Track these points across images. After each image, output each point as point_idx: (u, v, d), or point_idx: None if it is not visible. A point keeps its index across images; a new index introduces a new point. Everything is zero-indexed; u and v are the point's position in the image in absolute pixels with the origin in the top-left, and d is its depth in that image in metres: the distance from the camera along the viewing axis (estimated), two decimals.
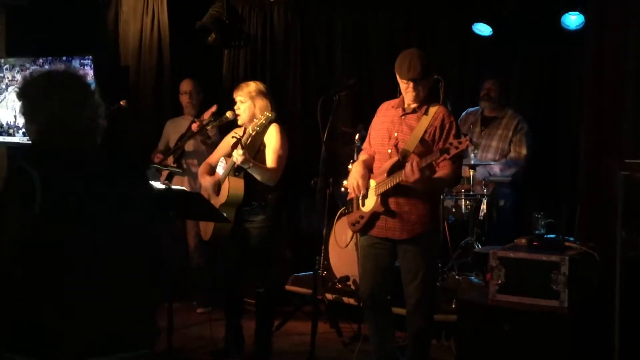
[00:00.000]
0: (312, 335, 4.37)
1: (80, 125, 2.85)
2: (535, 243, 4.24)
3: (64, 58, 7.53)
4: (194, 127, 5.91)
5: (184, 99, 6.42)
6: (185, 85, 6.44)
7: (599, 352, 3.97)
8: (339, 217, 6.18)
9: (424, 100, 4.53)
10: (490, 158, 6.35)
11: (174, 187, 4.64)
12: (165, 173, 6.04)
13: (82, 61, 7.45)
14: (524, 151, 6.27)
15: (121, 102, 6.12)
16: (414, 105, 4.54)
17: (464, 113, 6.64)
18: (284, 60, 7.45)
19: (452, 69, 6.75)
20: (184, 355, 5.35)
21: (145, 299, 2.91)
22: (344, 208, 5.19)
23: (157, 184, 4.59)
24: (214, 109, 5.47)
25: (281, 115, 5.25)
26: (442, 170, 4.37)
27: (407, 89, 4.48)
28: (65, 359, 2.68)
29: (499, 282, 4.09)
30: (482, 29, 6.71)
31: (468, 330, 4.18)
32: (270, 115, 4.89)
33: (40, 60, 7.66)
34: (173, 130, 6.42)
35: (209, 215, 4.89)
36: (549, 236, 4.47)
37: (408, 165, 4.24)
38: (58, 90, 2.82)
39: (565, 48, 6.25)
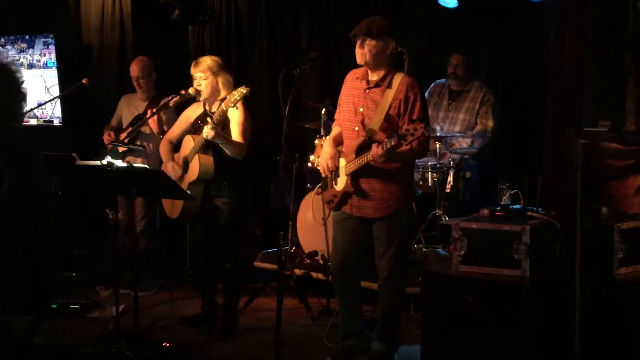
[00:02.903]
0: (278, 312, 4.35)
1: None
2: (497, 213, 4.24)
3: (27, 37, 7.46)
4: (151, 122, 5.82)
5: (134, 83, 6.30)
6: (132, 70, 6.25)
7: (561, 320, 3.98)
8: (307, 193, 6.16)
9: (388, 72, 4.51)
10: (457, 131, 6.36)
11: (135, 165, 4.58)
12: (120, 150, 5.97)
13: (44, 40, 7.38)
14: (490, 123, 6.28)
15: (83, 81, 6.02)
16: (376, 78, 4.52)
17: (432, 84, 6.63)
18: (249, 36, 7.38)
19: (419, 41, 6.74)
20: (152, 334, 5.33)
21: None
22: (319, 186, 5.17)
23: (119, 162, 4.53)
24: (177, 99, 5.36)
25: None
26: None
27: (356, 49, 4.47)
28: None
29: (462, 253, 4.10)
30: (448, 1, 6.67)
31: (432, 302, 4.19)
32: (244, 90, 4.84)
33: (2, 40, 7.57)
34: (127, 107, 6.33)
35: (172, 193, 4.86)
36: (513, 207, 4.47)
37: (373, 149, 4.29)
38: None
39: (531, 19, 6.22)
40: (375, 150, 4.28)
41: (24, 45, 7.55)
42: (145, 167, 4.61)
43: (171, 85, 5.94)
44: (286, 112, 4.42)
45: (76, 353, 4.87)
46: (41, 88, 7.33)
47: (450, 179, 6.01)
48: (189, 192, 4.95)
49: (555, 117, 4.50)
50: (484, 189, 6.16)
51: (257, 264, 6.49)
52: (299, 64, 4.61)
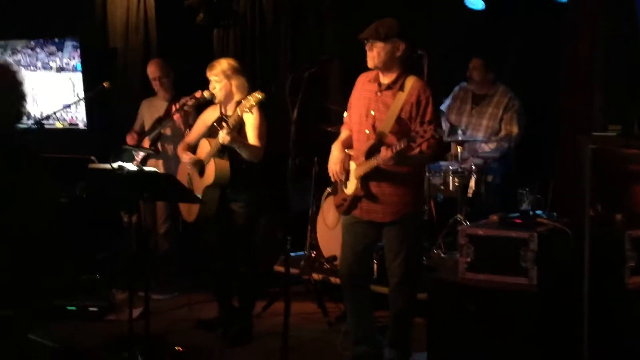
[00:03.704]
0: (285, 318, 4.31)
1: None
2: (507, 220, 4.14)
3: (56, 40, 7.53)
4: (176, 117, 5.82)
5: (155, 85, 6.33)
6: (151, 71, 6.32)
7: (569, 331, 3.87)
8: (327, 197, 6.12)
9: (400, 75, 4.44)
10: (480, 137, 6.24)
11: (145, 168, 4.59)
12: (140, 155, 5.99)
13: (73, 43, 7.45)
14: (515, 130, 6.14)
15: (104, 84, 6.06)
16: (388, 81, 4.46)
17: (456, 87, 6.53)
18: (274, 39, 7.35)
19: (445, 44, 6.66)
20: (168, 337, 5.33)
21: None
22: (330, 188, 5.14)
23: (130, 166, 4.54)
24: (198, 94, 5.38)
25: (274, 94, 5.18)
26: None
27: (367, 52, 4.43)
28: None
29: (468, 259, 4.02)
30: (475, 3, 6.58)
31: (438, 308, 4.11)
32: (260, 96, 4.82)
33: (32, 43, 7.67)
34: (148, 111, 6.36)
35: (182, 197, 4.86)
36: (524, 213, 4.38)
37: (383, 151, 4.22)
38: None
39: (557, 22, 6.09)
40: (385, 153, 4.22)
41: (53, 48, 7.63)
42: (154, 171, 4.62)
43: (195, 89, 5.94)
44: (294, 116, 4.38)
45: (87, 356, 4.88)
46: (70, 91, 7.39)
47: (472, 183, 5.90)
48: (204, 196, 4.96)
49: (566, 121, 4.39)
50: (507, 193, 6.04)
51: (277, 268, 6.45)
52: (309, 67, 4.56)
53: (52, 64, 7.60)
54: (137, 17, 7.24)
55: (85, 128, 7.32)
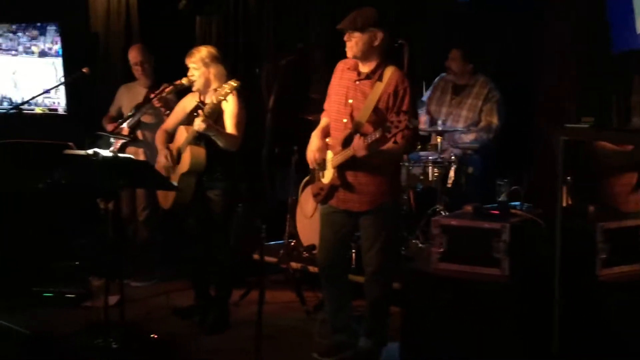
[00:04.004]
0: (259, 306, 4.31)
1: None
2: (480, 210, 4.14)
3: (39, 24, 7.46)
4: (157, 104, 5.78)
5: (135, 70, 6.29)
6: (133, 56, 6.28)
7: (541, 321, 3.88)
8: (304, 186, 6.11)
9: (379, 65, 4.43)
10: (460, 128, 6.22)
11: (120, 155, 4.56)
12: (119, 142, 5.95)
13: (56, 28, 7.39)
14: (495, 121, 6.12)
15: (83, 70, 6.01)
16: (367, 70, 4.45)
17: (437, 78, 6.52)
18: (257, 26, 7.31)
19: (428, 35, 6.64)
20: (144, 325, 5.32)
21: None
22: (307, 178, 5.13)
23: (105, 152, 4.51)
24: (177, 82, 5.35)
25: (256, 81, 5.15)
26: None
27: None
28: None
29: (441, 250, 4.01)
30: None
31: (411, 298, 4.11)
32: (235, 84, 4.81)
33: (14, 27, 7.60)
34: (127, 97, 6.31)
35: (158, 184, 4.85)
36: (512, 203, 4.38)
37: (355, 141, 4.20)
38: None
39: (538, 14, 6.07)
40: (358, 142, 4.20)
41: (35, 33, 7.54)
42: (130, 157, 4.60)
43: (177, 76, 5.90)
44: (270, 105, 4.36)
45: (60, 343, 4.87)
46: (52, 77, 7.32)
47: (452, 174, 5.90)
48: (180, 183, 4.95)
49: (541, 113, 4.39)
50: (487, 184, 6.03)
51: (256, 256, 6.44)
52: (284, 55, 4.55)
53: (34, 48, 7.53)
54: (119, 3, 7.19)
55: (66, 113, 7.26)
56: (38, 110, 7.37)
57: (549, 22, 4.41)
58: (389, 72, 4.41)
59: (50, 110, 7.37)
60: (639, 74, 4.32)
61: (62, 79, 6.98)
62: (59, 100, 7.31)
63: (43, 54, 7.47)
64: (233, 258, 5.48)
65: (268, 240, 6.61)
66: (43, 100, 7.28)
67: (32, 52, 7.49)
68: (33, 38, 7.54)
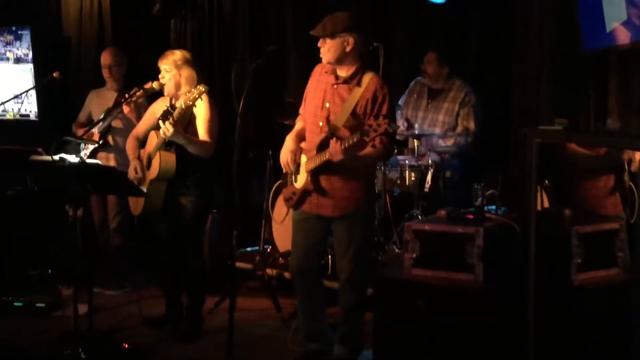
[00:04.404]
0: (231, 313, 4.24)
1: None
2: (454, 215, 4.07)
3: (14, 29, 7.34)
4: (126, 110, 5.67)
5: (105, 73, 6.19)
6: (104, 58, 6.17)
7: (515, 327, 3.80)
8: (276, 191, 6.03)
9: (358, 70, 4.36)
10: (437, 132, 6.16)
11: (88, 160, 4.47)
12: (88, 148, 5.84)
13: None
14: (472, 125, 6.06)
15: (54, 74, 5.91)
16: (345, 74, 4.38)
17: (412, 82, 6.45)
18: (232, 29, 7.25)
19: (404, 37, 6.59)
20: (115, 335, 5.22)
21: None
22: (279, 182, 5.05)
23: (72, 158, 4.42)
24: (147, 85, 5.25)
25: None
26: (371, 147, 4.21)
27: None
28: None
29: (414, 255, 3.94)
30: None
31: (384, 305, 4.03)
32: (203, 89, 4.72)
33: None
34: (96, 102, 6.20)
35: (126, 190, 4.75)
36: (490, 207, 4.31)
37: (332, 145, 4.12)
38: None
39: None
40: (334, 145, 4.11)
41: (10, 37, 7.40)
42: (97, 163, 4.51)
43: (152, 79, 5.83)
44: (239, 109, 4.28)
45: (28, 354, 4.77)
46: (29, 84, 7.19)
47: (429, 178, 5.83)
48: (150, 189, 4.86)
49: (516, 115, 4.33)
50: (465, 189, 5.97)
51: None
52: (255, 58, 4.47)
53: (9, 54, 7.39)
54: (91, 7, 7.11)
55: (37, 119, 7.15)
56: (9, 116, 7.25)
57: (521, 21, 4.34)
58: (368, 77, 4.34)
59: (21, 116, 7.24)
60: (615, 73, 4.26)
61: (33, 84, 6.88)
62: (31, 106, 7.19)
63: (18, 60, 7.34)
64: (206, 265, 5.38)
65: (244, 246, 6.55)
66: (16, 106, 7.16)
67: (7, 59, 7.36)
68: (8, 43, 7.40)
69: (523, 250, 3.78)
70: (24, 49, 7.30)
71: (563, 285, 3.78)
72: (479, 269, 3.80)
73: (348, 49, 4.31)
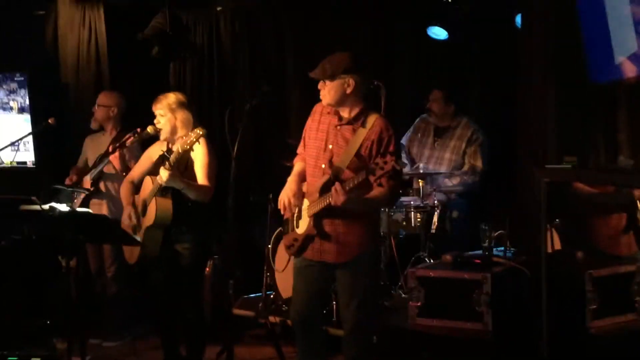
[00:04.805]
0: None
1: None
2: (460, 260, 3.87)
3: (18, 75, 7.20)
4: (112, 158, 5.51)
5: (94, 111, 6.05)
6: (101, 99, 6.05)
7: None
8: (277, 239, 5.84)
9: (362, 111, 4.19)
10: (443, 171, 6.00)
11: (78, 209, 4.31)
12: (81, 196, 5.68)
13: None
14: (479, 164, 5.93)
15: (49, 120, 5.79)
16: (348, 115, 4.21)
17: (417, 119, 6.32)
18: (232, 71, 7.16)
19: (407, 74, 6.48)
20: None
21: None
22: (280, 229, 4.86)
23: (62, 207, 4.26)
24: (138, 130, 5.09)
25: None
26: (378, 188, 4.04)
27: None
28: None
29: (419, 304, 3.74)
30: (438, 33, 6.45)
31: (388, 356, 3.81)
32: (201, 132, 4.56)
33: None
34: (91, 148, 6.06)
35: (119, 239, 4.58)
36: (497, 249, 4.13)
37: (334, 188, 3.93)
38: None
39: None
40: (338, 188, 3.90)
41: (14, 85, 7.25)
42: (88, 212, 4.35)
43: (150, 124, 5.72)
44: (234, 153, 4.12)
45: None
46: None
47: (436, 219, 5.65)
48: (146, 236, 4.69)
49: (522, 153, 4.16)
50: (474, 227, 5.79)
51: (236, 310, 6.16)
52: (249, 100, 4.33)
53: (12, 103, 7.22)
54: (89, 52, 6.99)
55: (34, 166, 7.00)
56: (7, 163, 7.10)
57: (527, 56, 4.19)
58: (373, 118, 4.18)
59: (18, 163, 7.07)
60: (624, 107, 4.09)
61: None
62: (28, 154, 7.04)
63: (22, 110, 7.17)
64: (205, 314, 5.18)
65: (247, 292, 6.36)
66: (12, 155, 6.99)
67: (11, 108, 7.19)
68: (12, 91, 7.23)
69: (534, 296, 3.57)
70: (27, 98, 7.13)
71: (579, 334, 3.56)
72: (488, 317, 3.60)
73: (349, 90, 4.16)
